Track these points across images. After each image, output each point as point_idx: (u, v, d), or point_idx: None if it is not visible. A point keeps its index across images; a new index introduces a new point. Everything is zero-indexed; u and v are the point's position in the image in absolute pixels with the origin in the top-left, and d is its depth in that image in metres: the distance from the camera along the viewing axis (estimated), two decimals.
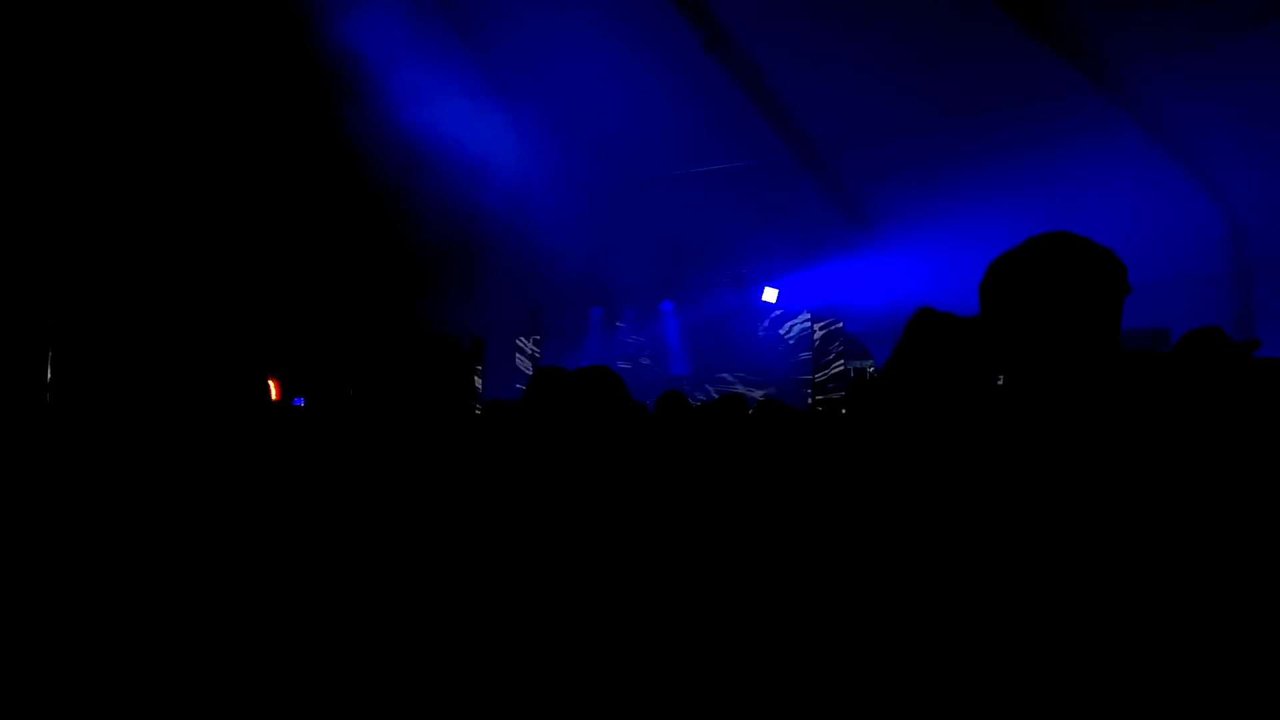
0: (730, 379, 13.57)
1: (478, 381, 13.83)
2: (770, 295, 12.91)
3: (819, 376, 13.01)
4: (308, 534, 2.02)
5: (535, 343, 14.40)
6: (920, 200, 10.40)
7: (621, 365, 14.17)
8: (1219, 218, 9.69)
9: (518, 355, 14.42)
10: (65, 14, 8.90)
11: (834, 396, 12.70)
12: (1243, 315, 9.60)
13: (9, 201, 8.57)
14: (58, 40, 8.88)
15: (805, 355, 13.15)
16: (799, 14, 10.08)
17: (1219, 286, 9.55)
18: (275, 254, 11.36)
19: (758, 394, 12.94)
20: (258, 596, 1.99)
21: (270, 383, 8.23)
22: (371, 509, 2.05)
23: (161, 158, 10.17)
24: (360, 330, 12.07)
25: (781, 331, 13.39)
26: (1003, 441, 1.53)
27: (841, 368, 12.95)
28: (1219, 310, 9.27)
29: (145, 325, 9.30)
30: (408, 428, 2.18)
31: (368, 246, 12.21)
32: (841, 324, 12.90)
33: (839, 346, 12.97)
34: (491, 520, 2.10)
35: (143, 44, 9.67)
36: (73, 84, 9.12)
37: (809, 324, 13.18)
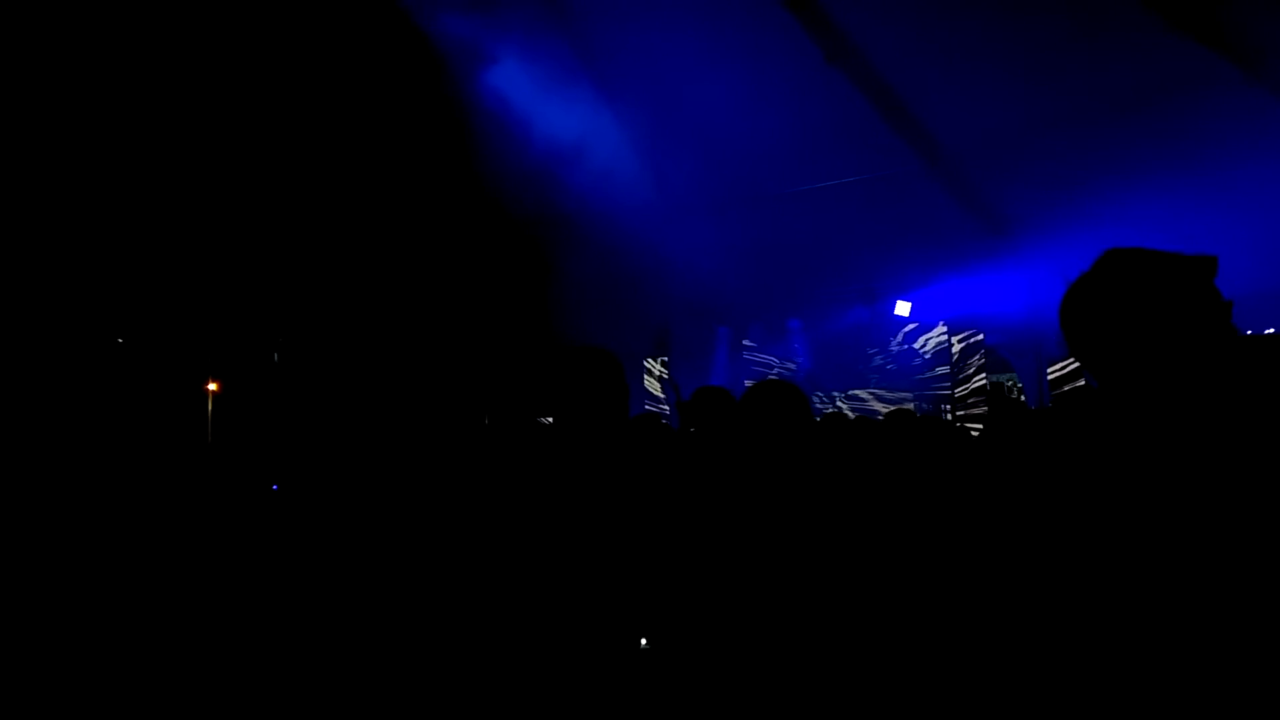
0: (864, 395, 13.25)
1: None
2: (903, 308, 12.56)
3: (959, 391, 12.56)
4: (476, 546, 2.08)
5: (663, 364, 14.44)
6: (1059, 204, 9.92)
7: (749, 384, 14.04)
8: None
9: (646, 376, 14.49)
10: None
11: (975, 411, 12.23)
12: None
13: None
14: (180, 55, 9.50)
15: (943, 369, 12.72)
16: (924, 17, 9.80)
17: None
18: (433, 285, 11.90)
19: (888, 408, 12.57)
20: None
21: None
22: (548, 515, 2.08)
23: (320, 208, 10.79)
24: (506, 352, 12.41)
25: (916, 345, 13.00)
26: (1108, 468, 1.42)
27: (983, 381, 12.46)
28: None
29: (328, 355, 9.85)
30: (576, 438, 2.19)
31: (507, 275, 12.57)
32: (982, 336, 12.42)
33: (980, 359, 12.50)
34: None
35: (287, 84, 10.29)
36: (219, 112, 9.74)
37: (946, 337, 12.75)
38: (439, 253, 11.87)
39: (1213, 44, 8.74)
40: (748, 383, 13.98)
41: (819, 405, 13.16)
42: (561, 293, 12.59)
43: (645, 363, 14.68)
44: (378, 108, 10.85)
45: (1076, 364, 11.39)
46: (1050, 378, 11.73)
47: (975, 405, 12.27)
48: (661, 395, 14.02)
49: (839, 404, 13.26)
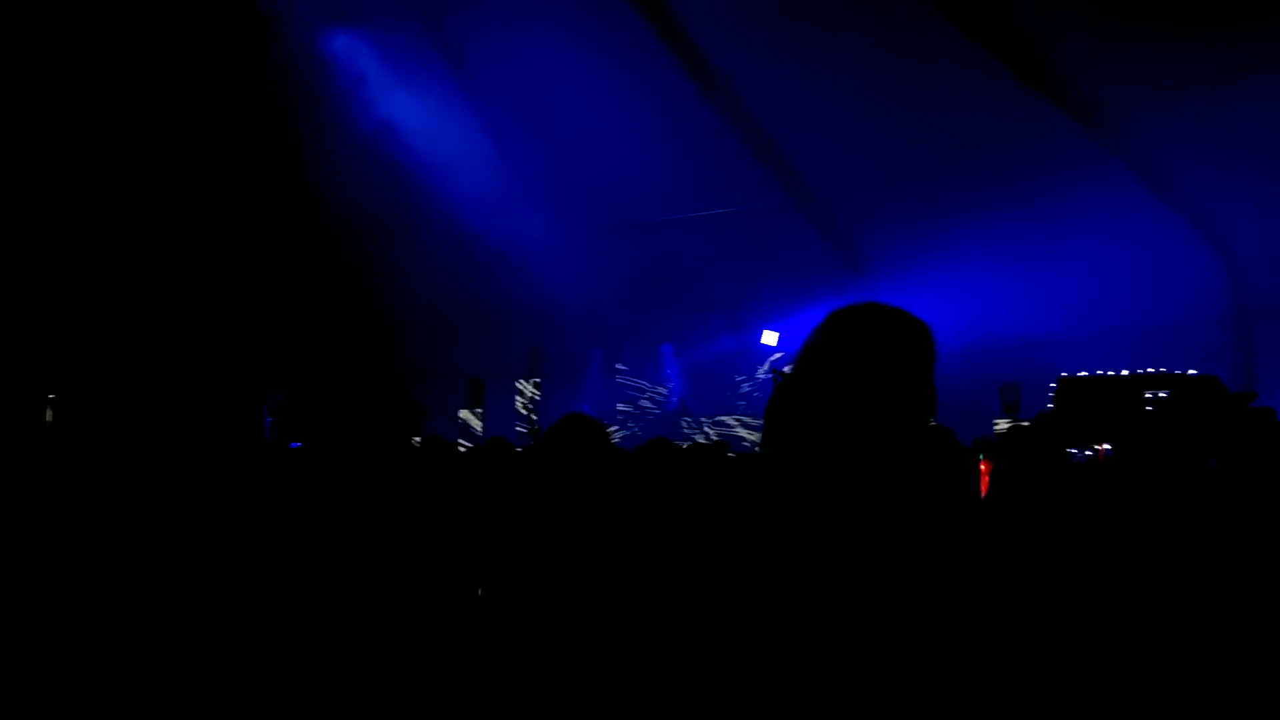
0: (731, 422, 13.56)
1: (416, 432, 13.84)
2: (770, 338, 12.95)
3: None
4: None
5: (535, 385, 14.41)
6: (916, 244, 10.49)
7: (621, 408, 14.16)
8: (1215, 261, 9.77)
9: (517, 398, 14.42)
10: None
11: None
12: (1243, 356, 9.63)
13: None
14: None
15: None
16: (795, 63, 10.24)
17: (1218, 328, 9.60)
18: (273, 297, 11.41)
19: (757, 436, 12.92)
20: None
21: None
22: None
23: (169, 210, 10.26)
24: (347, 376, 12.04)
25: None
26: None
27: None
28: (1218, 352, 9.31)
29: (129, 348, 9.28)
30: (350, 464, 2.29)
31: (365, 294, 12.25)
32: None
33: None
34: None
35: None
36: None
37: None
38: (286, 268, 11.43)
39: (1053, 98, 9.46)
40: (619, 408, 14.11)
41: (687, 431, 13.38)
42: (434, 315, 12.42)
43: (517, 384, 14.60)
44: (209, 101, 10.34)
45: None
46: None
47: None
48: (534, 417, 13.98)
49: (706, 429, 13.52)
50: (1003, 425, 10.55)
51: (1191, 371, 8.02)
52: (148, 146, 10.03)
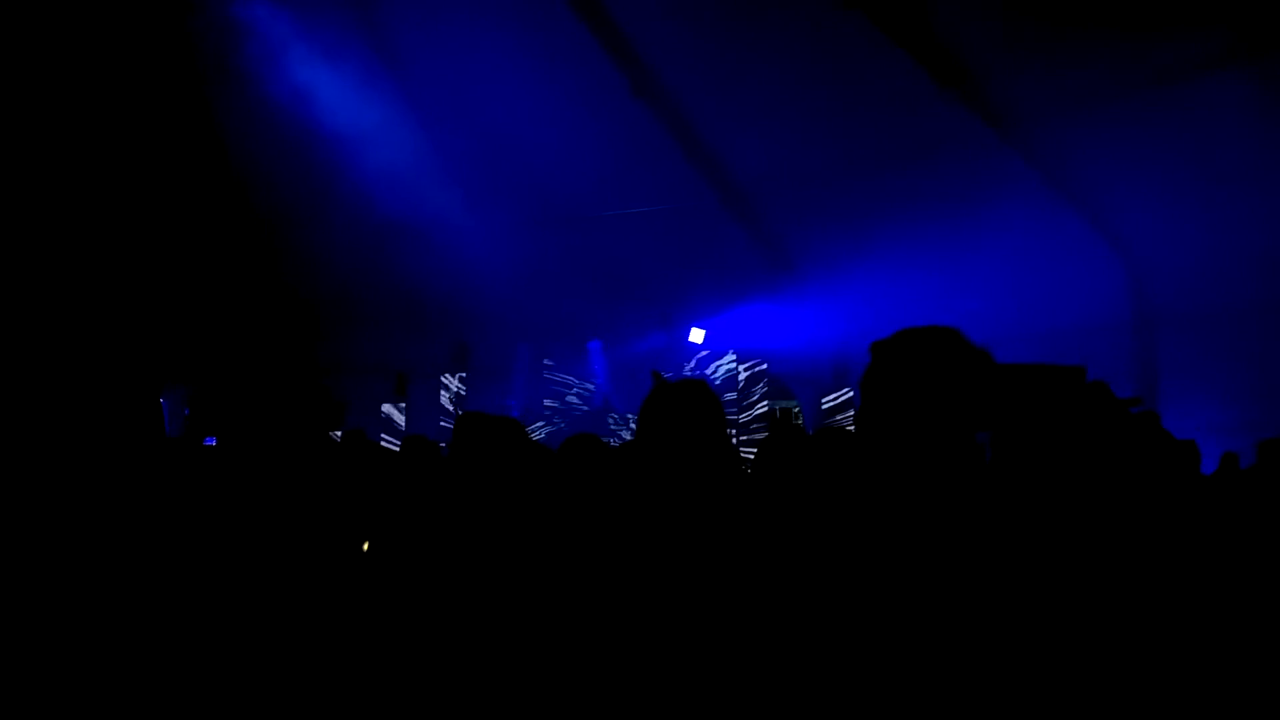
0: None
1: (335, 430, 13.66)
2: (697, 335, 13.07)
3: (743, 417, 13.18)
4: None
5: (461, 380, 14.28)
6: (839, 247, 10.71)
7: (548, 403, 14.12)
8: (1121, 268, 10.17)
9: (443, 393, 14.28)
10: None
11: (757, 436, 12.87)
12: (1146, 362, 10.05)
13: None
14: None
15: (730, 395, 13.31)
16: (725, 64, 10.36)
17: (1122, 334, 9.99)
18: (182, 283, 11.05)
19: None
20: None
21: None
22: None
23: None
24: (263, 368, 11.73)
25: (708, 371, 13.54)
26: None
27: (765, 408, 13.13)
28: (1122, 357, 9.70)
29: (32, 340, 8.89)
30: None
31: (280, 281, 11.96)
32: (766, 365, 13.11)
33: (763, 387, 13.17)
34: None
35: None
36: None
37: (735, 364, 13.37)
38: (194, 248, 11.05)
39: (976, 110, 9.73)
40: (547, 402, 14.07)
41: (613, 427, 13.42)
42: (357, 305, 12.21)
43: (443, 378, 14.46)
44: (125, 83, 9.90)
45: (850, 394, 12.29)
46: (825, 406, 12.54)
47: (757, 430, 12.92)
48: (458, 414, 13.85)
49: (633, 426, 13.57)
50: None
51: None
52: (41, 105, 9.51)
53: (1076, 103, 9.09)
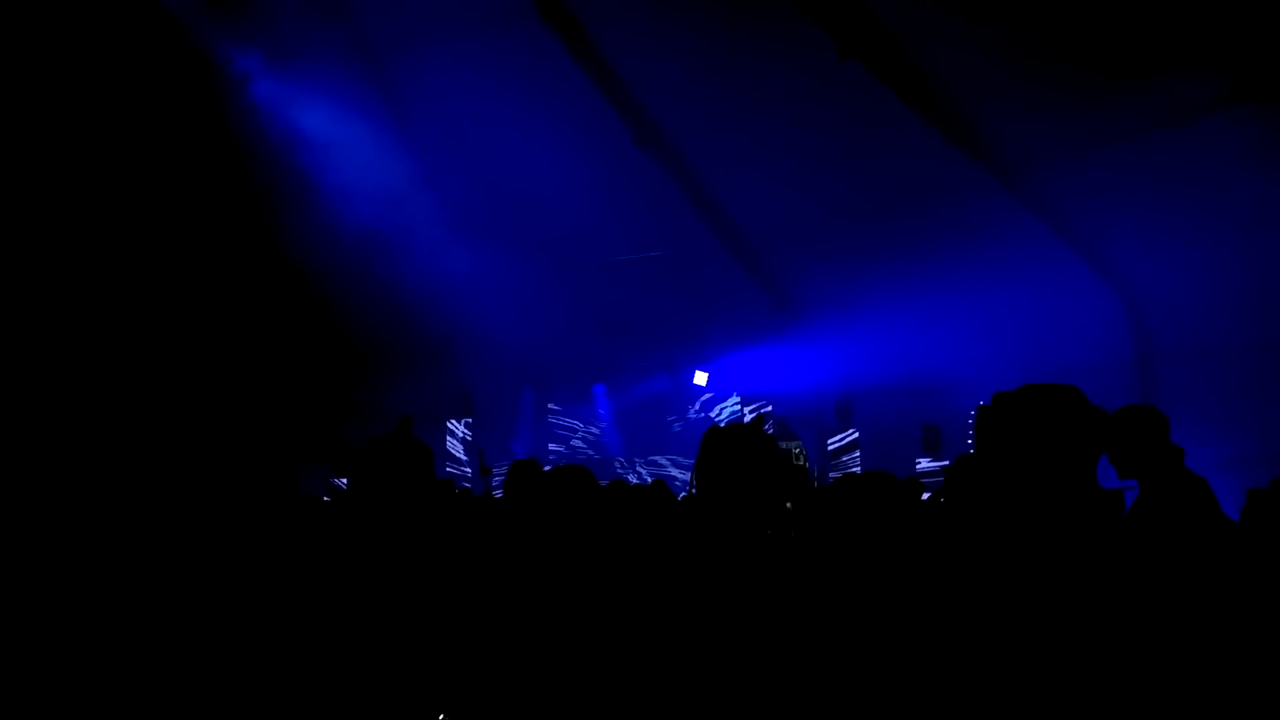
0: (663, 461, 13.65)
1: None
2: (701, 379, 13.14)
3: None
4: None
5: (467, 425, 14.32)
6: (842, 291, 10.81)
7: (553, 448, 14.16)
8: (1121, 308, 10.24)
9: (449, 438, 14.31)
10: None
11: None
12: (1148, 399, 10.07)
13: None
14: None
15: None
16: (728, 112, 10.54)
17: (1123, 372, 10.03)
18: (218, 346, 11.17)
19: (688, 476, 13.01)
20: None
21: None
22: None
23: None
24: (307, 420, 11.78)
25: (713, 414, 13.58)
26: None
27: None
28: (1123, 395, 9.72)
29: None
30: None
31: (302, 334, 12.06)
32: (770, 407, 13.15)
33: (768, 429, 13.18)
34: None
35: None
36: None
37: (739, 407, 13.41)
38: (223, 306, 11.19)
39: (977, 156, 9.87)
40: (551, 448, 14.10)
41: (619, 470, 13.44)
42: (365, 352, 12.29)
43: (449, 423, 14.50)
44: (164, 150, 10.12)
45: (854, 436, 12.31)
46: (830, 448, 12.56)
47: None
48: (464, 458, 13.88)
49: (639, 469, 13.59)
50: (924, 464, 10.85)
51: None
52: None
53: (1076, 146, 9.22)
